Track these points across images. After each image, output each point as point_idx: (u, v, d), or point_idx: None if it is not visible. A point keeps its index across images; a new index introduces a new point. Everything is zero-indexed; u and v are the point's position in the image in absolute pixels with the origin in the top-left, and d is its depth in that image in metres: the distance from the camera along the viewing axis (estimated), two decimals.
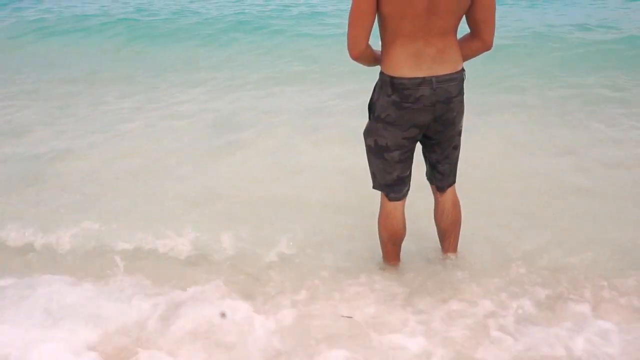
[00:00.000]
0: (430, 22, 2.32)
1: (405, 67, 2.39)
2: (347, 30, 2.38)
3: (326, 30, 9.83)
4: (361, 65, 2.56)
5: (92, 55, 9.38)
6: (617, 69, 6.72)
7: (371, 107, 2.58)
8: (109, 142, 5.22)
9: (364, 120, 2.65)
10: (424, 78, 2.38)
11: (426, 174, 2.83)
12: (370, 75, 2.67)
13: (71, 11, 13.48)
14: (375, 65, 2.54)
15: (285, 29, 10.17)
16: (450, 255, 2.98)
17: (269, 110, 5.92)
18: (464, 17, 2.43)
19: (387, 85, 2.44)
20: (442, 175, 2.75)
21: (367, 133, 2.63)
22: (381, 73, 2.49)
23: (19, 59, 9.46)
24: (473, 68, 2.79)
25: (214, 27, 10.74)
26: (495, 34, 2.48)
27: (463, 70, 2.49)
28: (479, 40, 2.48)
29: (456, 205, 2.85)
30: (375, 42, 2.44)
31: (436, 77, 2.39)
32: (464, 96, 2.55)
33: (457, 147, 2.71)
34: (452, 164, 2.74)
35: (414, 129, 2.50)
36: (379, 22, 2.40)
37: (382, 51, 2.48)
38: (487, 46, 2.50)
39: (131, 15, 12.64)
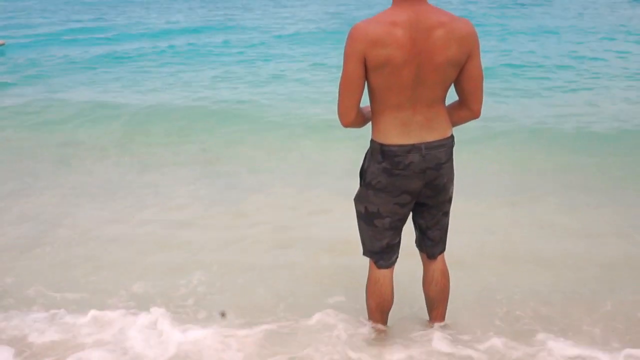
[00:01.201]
0: (418, 93, 2.35)
1: (395, 135, 2.41)
2: (337, 99, 2.41)
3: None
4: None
5: None
6: None
7: (362, 174, 2.59)
8: None
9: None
10: (413, 145, 2.40)
11: (416, 241, 2.82)
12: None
13: None
14: (367, 123, 2.55)
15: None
16: (438, 324, 2.94)
17: None
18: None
19: (378, 153, 2.46)
20: (432, 242, 2.74)
21: (358, 199, 2.63)
22: (371, 141, 2.51)
23: None
24: None
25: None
26: None
27: (452, 136, 2.52)
28: (467, 109, 2.51)
29: (445, 274, 2.83)
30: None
31: (425, 143, 2.41)
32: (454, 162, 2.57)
33: (447, 214, 2.71)
34: (443, 230, 2.74)
35: (406, 195, 2.51)
36: (368, 92, 2.42)
37: (372, 119, 2.50)
38: (475, 115, 2.54)
39: None
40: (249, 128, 7.28)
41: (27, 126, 7.81)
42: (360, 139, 3.02)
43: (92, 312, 3.19)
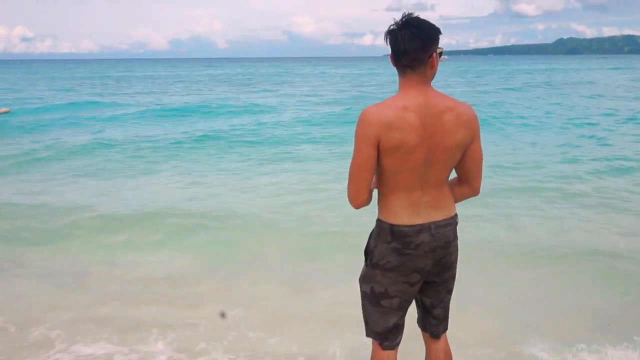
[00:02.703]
0: (427, 174, 2.40)
1: (405, 215, 2.42)
2: (347, 183, 2.41)
3: None
4: None
5: None
6: None
7: (367, 253, 2.56)
8: None
9: None
10: (422, 225, 2.42)
11: (418, 320, 2.78)
12: None
13: None
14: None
15: None
16: None
17: None
18: None
19: (387, 233, 2.45)
20: (437, 321, 2.71)
21: (363, 280, 2.59)
22: (379, 220, 2.49)
23: None
24: None
25: None
26: None
27: (456, 214, 2.55)
28: (468, 186, 2.58)
29: (448, 354, 2.78)
30: None
31: (434, 223, 2.44)
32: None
33: (450, 291, 2.70)
34: (446, 308, 2.72)
35: (416, 274, 2.50)
36: (378, 173, 2.43)
37: (380, 199, 2.50)
38: (476, 192, 2.60)
39: None
40: None
41: None
42: None
43: None
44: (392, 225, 2.43)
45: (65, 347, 3.87)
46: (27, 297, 4.77)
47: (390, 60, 2.41)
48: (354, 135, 2.34)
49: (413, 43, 2.28)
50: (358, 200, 2.42)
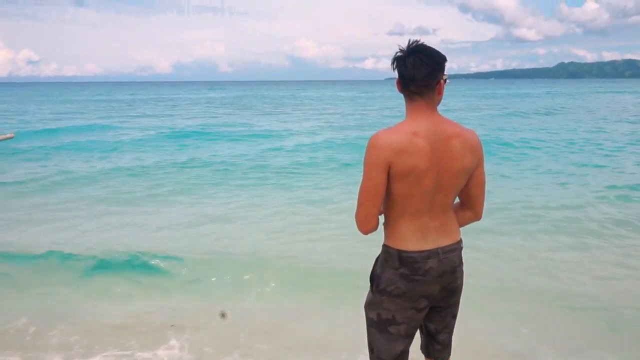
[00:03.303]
0: (435, 199, 2.41)
1: (413, 241, 2.42)
2: (356, 208, 2.40)
3: None
4: None
5: None
6: None
7: (373, 280, 2.54)
8: None
9: None
10: (430, 250, 2.43)
11: (421, 347, 2.76)
12: None
13: None
14: None
15: None
16: None
17: None
18: None
19: (395, 259, 2.44)
20: (441, 346, 2.69)
21: (370, 306, 2.56)
22: (386, 246, 2.48)
23: None
24: None
25: None
26: None
27: (461, 239, 2.56)
28: (471, 211, 2.60)
29: None
30: None
31: (442, 248, 2.45)
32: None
33: (455, 317, 2.69)
34: (450, 333, 2.70)
35: (423, 300, 2.49)
36: (385, 199, 2.42)
37: (386, 225, 2.50)
38: (478, 217, 2.63)
39: None
40: None
41: None
42: None
43: None
44: (400, 251, 2.42)
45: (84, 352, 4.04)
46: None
47: (396, 86, 2.43)
48: (363, 161, 2.35)
49: (422, 70, 2.32)
50: (367, 225, 2.41)
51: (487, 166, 2.55)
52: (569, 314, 4.95)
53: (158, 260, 6.33)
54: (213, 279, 5.96)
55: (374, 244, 2.68)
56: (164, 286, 5.77)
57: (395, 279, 2.44)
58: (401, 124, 2.38)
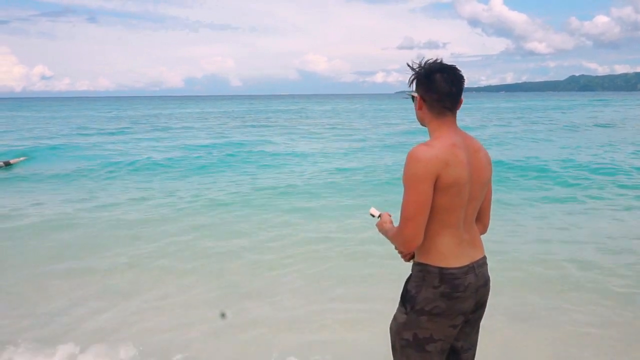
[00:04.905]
0: (467, 212, 2.42)
1: (453, 257, 2.38)
2: (401, 225, 2.33)
3: None
4: None
5: None
6: None
7: (409, 300, 2.43)
8: None
9: None
10: (468, 265, 2.40)
11: None
12: None
13: None
14: None
15: None
16: None
17: None
18: None
19: (435, 277, 2.37)
20: None
21: (404, 327, 2.45)
22: (423, 264, 2.41)
23: None
24: None
25: None
26: None
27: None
28: (481, 224, 2.64)
29: None
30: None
31: (476, 262, 2.44)
32: None
33: (478, 332, 2.63)
34: (474, 350, 2.63)
35: (461, 317, 2.43)
36: None
37: (424, 243, 2.39)
38: (486, 229, 2.69)
39: None
40: None
41: None
42: None
43: None
44: (441, 269, 2.36)
45: None
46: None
47: (417, 103, 2.44)
48: (405, 176, 2.30)
49: (458, 85, 2.39)
50: (416, 241, 2.34)
51: None
52: None
53: None
54: None
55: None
56: None
57: (435, 297, 2.37)
58: (437, 138, 2.40)
